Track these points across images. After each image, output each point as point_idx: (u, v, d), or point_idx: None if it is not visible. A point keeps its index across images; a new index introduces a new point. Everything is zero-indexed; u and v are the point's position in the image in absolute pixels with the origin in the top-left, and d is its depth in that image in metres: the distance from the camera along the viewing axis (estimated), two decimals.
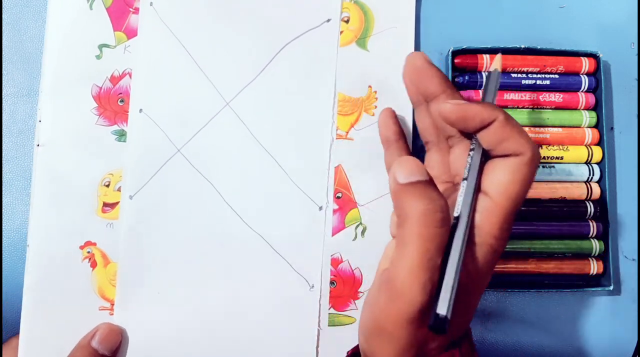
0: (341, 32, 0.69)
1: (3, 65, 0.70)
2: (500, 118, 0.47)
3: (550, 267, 0.67)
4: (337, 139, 0.68)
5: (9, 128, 0.69)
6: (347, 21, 0.69)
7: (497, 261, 0.49)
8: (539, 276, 0.68)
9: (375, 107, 0.69)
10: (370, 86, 0.69)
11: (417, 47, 0.71)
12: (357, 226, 0.68)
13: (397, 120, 0.65)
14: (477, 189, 0.49)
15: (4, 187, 0.68)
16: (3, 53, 0.70)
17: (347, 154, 0.68)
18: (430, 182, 0.47)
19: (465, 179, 0.50)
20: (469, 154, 0.50)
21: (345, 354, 0.55)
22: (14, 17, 0.70)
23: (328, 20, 0.69)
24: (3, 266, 0.68)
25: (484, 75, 0.68)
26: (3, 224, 0.68)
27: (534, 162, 0.47)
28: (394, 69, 0.70)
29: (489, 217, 0.47)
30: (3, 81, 0.69)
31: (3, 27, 0.70)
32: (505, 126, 0.47)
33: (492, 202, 0.47)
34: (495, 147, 0.48)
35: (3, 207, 0.68)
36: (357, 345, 0.53)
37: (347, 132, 0.68)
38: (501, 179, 0.47)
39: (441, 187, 0.55)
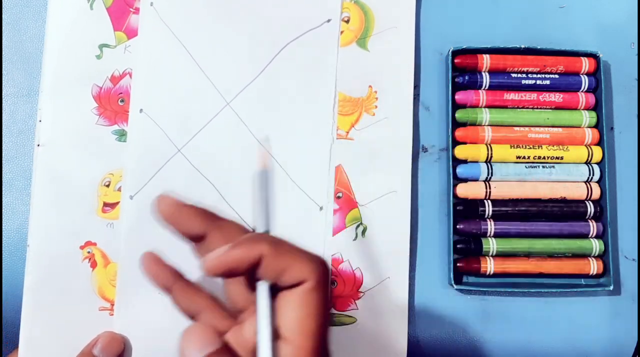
0: (341, 32, 0.70)
1: (3, 65, 0.70)
2: (266, 252, 0.41)
3: (550, 267, 0.68)
4: (337, 139, 0.68)
5: (9, 128, 0.69)
6: (347, 21, 0.70)
7: None
8: (539, 275, 0.69)
9: (376, 107, 0.69)
10: (370, 86, 0.69)
11: (417, 47, 0.71)
12: (358, 226, 0.68)
13: (162, 262, 0.53)
14: (276, 336, 0.42)
15: (4, 187, 0.69)
16: (3, 53, 0.70)
17: (348, 153, 0.69)
18: (223, 350, 0.43)
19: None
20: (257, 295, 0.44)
21: None
22: (14, 17, 0.70)
23: (328, 21, 0.69)
24: (3, 266, 0.68)
25: (484, 75, 0.69)
26: (3, 224, 0.68)
27: (320, 288, 0.42)
28: (395, 68, 0.70)
29: None
30: (3, 81, 0.70)
31: (3, 27, 0.70)
32: (276, 258, 0.41)
33: (293, 348, 0.41)
34: (277, 280, 0.42)
35: (3, 207, 0.68)
36: None
37: (348, 132, 0.69)
38: (293, 317, 0.41)
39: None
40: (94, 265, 0.66)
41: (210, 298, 0.49)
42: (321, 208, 0.68)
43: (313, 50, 0.69)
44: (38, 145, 0.66)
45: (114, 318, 0.65)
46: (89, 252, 0.66)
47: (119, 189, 0.67)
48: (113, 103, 0.68)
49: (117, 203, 0.67)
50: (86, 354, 0.63)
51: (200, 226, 0.48)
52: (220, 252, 0.42)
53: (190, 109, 0.68)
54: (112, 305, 0.66)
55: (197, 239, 0.48)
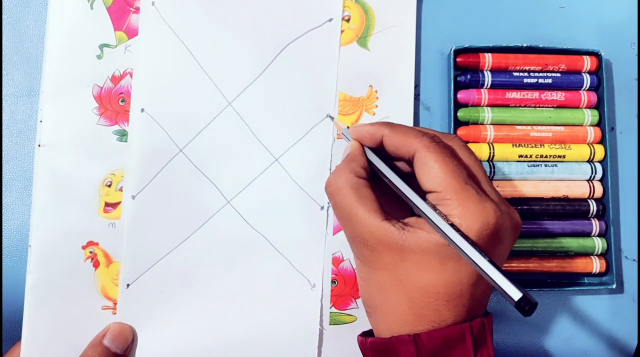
0: (342, 31, 0.71)
1: (3, 65, 0.71)
2: (386, 132, 0.56)
3: (552, 265, 0.70)
4: (337, 138, 0.70)
5: (9, 128, 0.71)
6: (348, 20, 0.71)
7: None
8: (541, 274, 0.70)
9: (377, 106, 0.70)
10: (371, 85, 0.70)
11: (419, 46, 0.73)
12: None
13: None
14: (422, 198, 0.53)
15: (4, 187, 0.70)
16: (3, 53, 0.71)
17: None
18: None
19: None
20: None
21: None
22: (14, 17, 0.72)
23: (330, 20, 0.70)
24: (3, 266, 0.69)
25: (486, 74, 0.71)
26: (3, 224, 0.70)
27: (430, 154, 0.52)
28: (395, 68, 0.71)
29: (457, 206, 0.50)
30: (3, 81, 0.71)
31: (3, 27, 0.71)
32: (392, 137, 0.56)
33: (440, 196, 0.51)
34: (398, 154, 0.56)
35: (3, 207, 0.70)
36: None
37: None
38: (426, 176, 0.52)
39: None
40: (96, 265, 0.67)
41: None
42: (322, 208, 0.69)
43: (314, 49, 0.70)
44: (39, 145, 0.67)
45: (117, 317, 0.67)
46: (91, 252, 0.67)
47: (121, 189, 0.68)
48: (114, 103, 0.69)
49: (119, 203, 0.68)
50: (96, 345, 0.65)
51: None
52: (359, 125, 0.59)
53: (191, 108, 0.69)
54: (115, 304, 0.67)
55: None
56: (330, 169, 0.69)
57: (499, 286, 0.46)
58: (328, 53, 0.71)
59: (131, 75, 0.69)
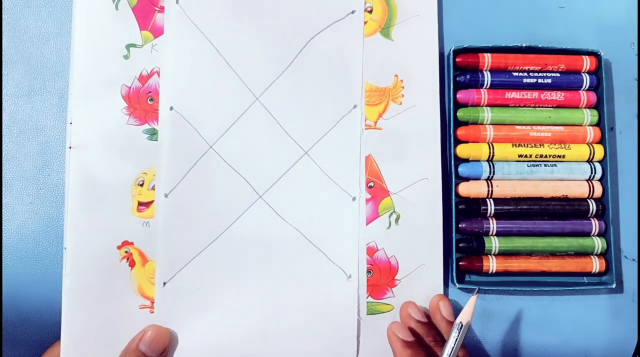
0: (365, 23, 0.86)
1: (3, 65, 0.83)
2: None
3: (552, 265, 0.85)
4: (366, 129, 0.85)
5: (9, 128, 0.83)
6: (370, 11, 0.86)
7: None
8: (541, 274, 0.86)
9: (403, 96, 0.86)
10: (396, 75, 0.86)
11: (441, 34, 0.89)
12: (391, 214, 0.84)
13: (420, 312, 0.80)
14: None
15: (4, 187, 0.82)
16: (3, 53, 0.83)
17: (377, 143, 0.85)
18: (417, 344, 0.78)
19: None
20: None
21: None
22: (14, 17, 0.84)
23: (352, 12, 0.86)
24: (3, 266, 0.81)
25: (486, 74, 0.85)
26: (3, 225, 0.82)
27: None
28: (420, 57, 0.87)
29: None
30: (3, 81, 0.83)
31: (3, 27, 0.84)
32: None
33: None
34: None
35: (3, 208, 0.81)
36: None
37: (376, 122, 0.85)
38: None
39: None
40: (132, 264, 0.80)
41: None
42: (354, 198, 0.84)
43: (339, 41, 0.86)
44: (70, 147, 0.79)
45: (155, 315, 0.81)
46: (126, 251, 0.80)
47: (153, 188, 0.82)
48: (142, 102, 0.83)
49: (152, 202, 0.82)
50: (132, 350, 0.77)
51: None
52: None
53: (219, 105, 0.83)
54: (153, 302, 0.81)
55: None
56: (360, 160, 0.85)
57: None
58: (352, 45, 0.86)
59: (159, 74, 0.84)
